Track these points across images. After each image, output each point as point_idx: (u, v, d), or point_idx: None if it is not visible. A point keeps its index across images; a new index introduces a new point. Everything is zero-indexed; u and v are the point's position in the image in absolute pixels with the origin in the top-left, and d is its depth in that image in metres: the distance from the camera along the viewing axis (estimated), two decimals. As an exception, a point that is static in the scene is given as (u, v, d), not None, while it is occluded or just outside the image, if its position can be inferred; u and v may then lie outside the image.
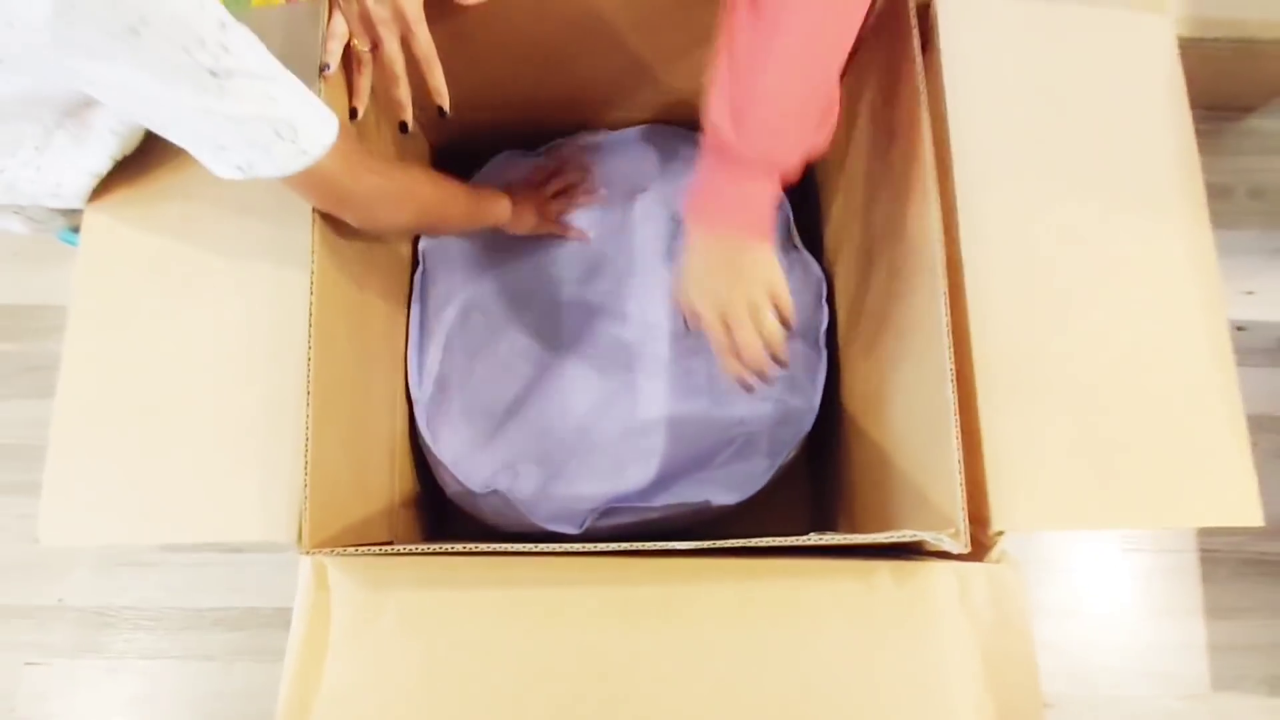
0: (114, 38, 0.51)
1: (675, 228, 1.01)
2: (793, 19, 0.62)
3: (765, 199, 0.69)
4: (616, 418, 0.94)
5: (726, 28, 0.65)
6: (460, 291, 0.98)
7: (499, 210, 0.93)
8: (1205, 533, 1.24)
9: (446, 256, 1.00)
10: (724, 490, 0.93)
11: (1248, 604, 1.22)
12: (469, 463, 0.95)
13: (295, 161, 0.62)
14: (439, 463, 0.95)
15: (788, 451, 0.95)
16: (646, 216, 1.01)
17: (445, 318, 0.97)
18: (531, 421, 0.95)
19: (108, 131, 0.73)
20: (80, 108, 0.70)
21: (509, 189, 0.96)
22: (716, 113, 0.66)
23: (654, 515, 0.93)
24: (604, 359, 0.96)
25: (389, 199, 0.74)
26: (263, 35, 0.78)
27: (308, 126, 0.61)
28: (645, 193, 1.02)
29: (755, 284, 0.71)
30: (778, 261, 0.72)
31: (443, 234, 0.98)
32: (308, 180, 0.65)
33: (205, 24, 0.53)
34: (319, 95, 0.72)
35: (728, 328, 0.72)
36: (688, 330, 0.77)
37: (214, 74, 0.54)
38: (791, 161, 0.68)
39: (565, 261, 1.00)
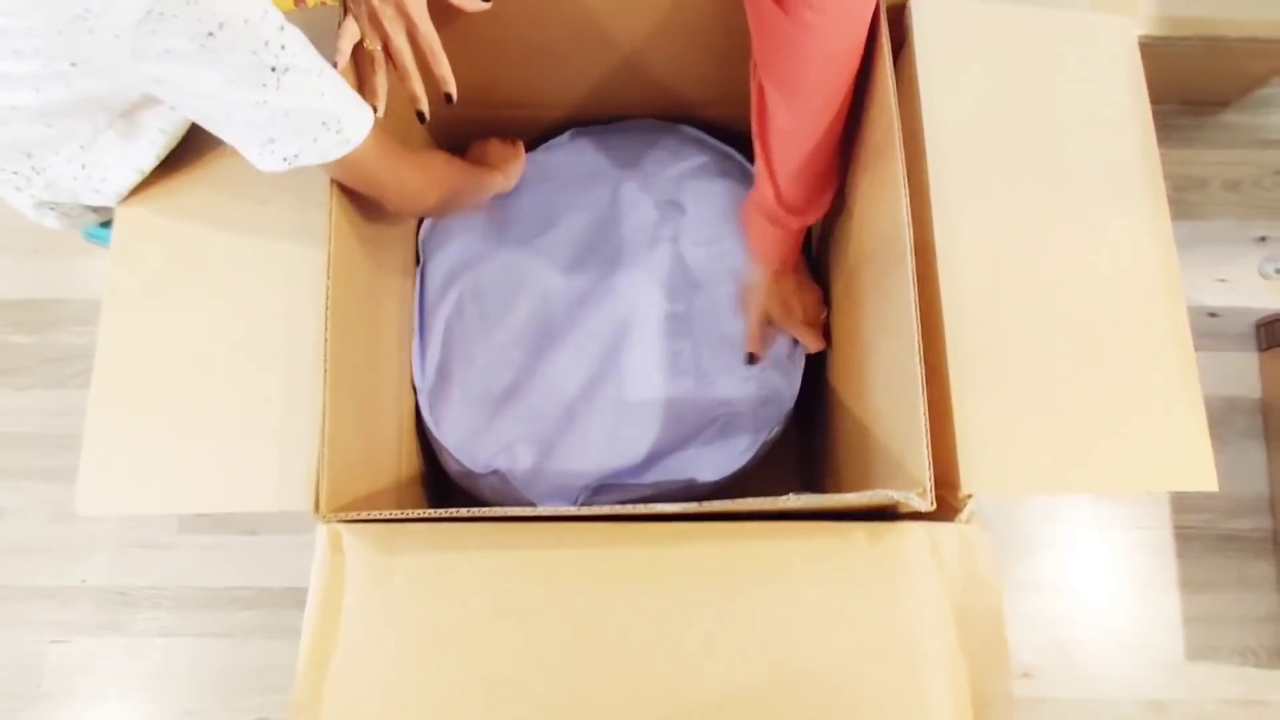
0: (191, 41, 0.55)
1: (659, 215, 1.05)
2: (814, 130, 0.82)
3: (800, 241, 0.97)
4: (606, 398, 0.98)
5: (759, 128, 0.85)
6: (456, 282, 1.02)
7: (496, 181, 1.00)
8: (1179, 510, 1.28)
9: (444, 248, 1.04)
10: (708, 467, 0.98)
11: (1220, 578, 1.26)
12: (470, 446, 0.99)
13: (338, 150, 0.68)
14: (442, 446, 1.00)
15: (771, 429, 0.99)
16: (633, 205, 1.05)
17: (444, 308, 1.01)
18: (526, 404, 0.99)
19: (156, 130, 0.77)
20: (134, 109, 0.73)
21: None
22: (768, 199, 0.88)
23: (644, 493, 0.97)
24: (593, 342, 0.99)
25: (418, 181, 0.82)
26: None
27: (349, 116, 0.67)
28: (631, 182, 1.06)
29: (808, 298, 1.01)
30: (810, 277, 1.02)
31: (458, 211, 1.03)
32: (349, 167, 0.71)
33: (269, 27, 0.58)
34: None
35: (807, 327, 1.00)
36: (751, 360, 1.01)
37: (273, 70, 0.60)
38: (815, 214, 0.92)
39: (555, 249, 1.04)
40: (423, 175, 0.83)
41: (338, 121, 0.66)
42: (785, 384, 1.01)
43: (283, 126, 0.64)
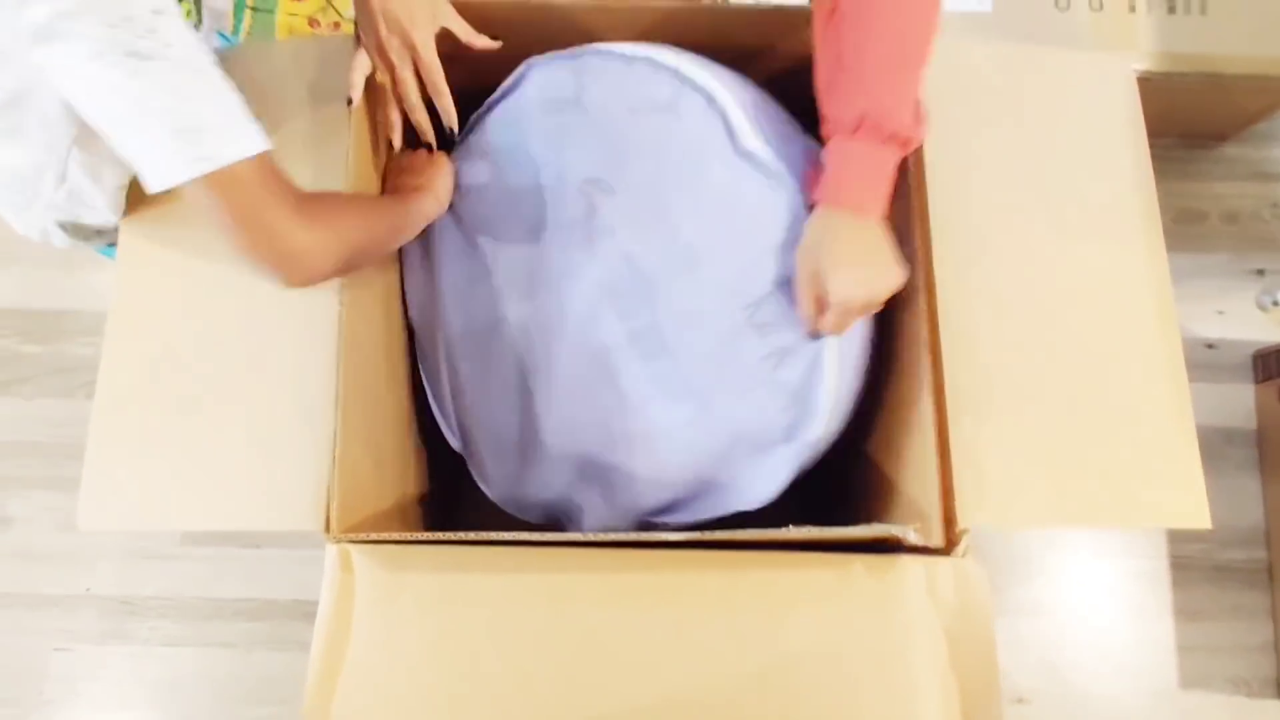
0: (46, 3, 0.52)
1: (586, 203, 0.83)
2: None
3: (893, 172, 0.72)
4: (613, 437, 0.86)
5: (839, 30, 0.71)
6: (438, 340, 0.94)
7: (425, 207, 0.86)
8: (1175, 540, 1.29)
9: (424, 311, 0.95)
10: (747, 495, 0.84)
11: (1215, 608, 1.27)
12: (516, 499, 0.95)
13: (191, 167, 0.58)
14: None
15: (806, 433, 0.80)
16: (558, 194, 0.84)
17: (442, 369, 0.94)
18: (543, 451, 0.90)
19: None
20: (85, 135, 0.72)
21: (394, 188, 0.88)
22: (878, 104, 0.70)
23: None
24: (573, 381, 0.86)
25: (302, 242, 0.66)
26: (297, 65, 0.83)
27: (213, 134, 0.58)
28: (548, 167, 0.85)
29: (891, 276, 0.73)
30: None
31: (385, 256, 0.89)
32: (208, 200, 0.60)
33: (138, 6, 0.54)
34: (348, 123, 0.78)
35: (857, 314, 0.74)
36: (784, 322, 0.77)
37: (132, 54, 0.54)
38: (915, 132, 0.72)
39: (504, 280, 0.89)
40: (310, 236, 0.65)
41: (197, 134, 0.57)
42: (808, 377, 0.78)
43: (144, 125, 0.57)
